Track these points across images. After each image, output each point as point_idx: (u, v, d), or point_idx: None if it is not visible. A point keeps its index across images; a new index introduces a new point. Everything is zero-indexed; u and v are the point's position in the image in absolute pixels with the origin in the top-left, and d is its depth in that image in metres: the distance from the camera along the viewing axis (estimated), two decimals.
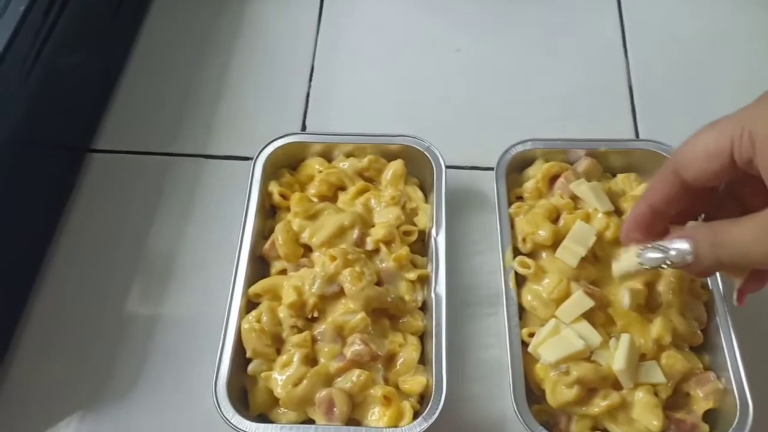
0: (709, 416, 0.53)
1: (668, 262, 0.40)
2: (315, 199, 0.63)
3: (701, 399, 0.53)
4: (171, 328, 0.61)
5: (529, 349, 0.54)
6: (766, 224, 0.36)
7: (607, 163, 0.65)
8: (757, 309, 0.61)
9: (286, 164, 0.65)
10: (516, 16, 0.84)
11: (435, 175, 0.62)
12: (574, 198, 0.61)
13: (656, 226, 0.44)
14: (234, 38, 0.81)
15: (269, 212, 0.64)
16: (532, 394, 0.54)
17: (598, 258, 0.59)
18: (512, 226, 0.61)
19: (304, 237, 0.59)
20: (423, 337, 0.57)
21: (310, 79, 0.78)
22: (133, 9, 0.82)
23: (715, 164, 0.37)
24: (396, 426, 0.51)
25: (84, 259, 0.65)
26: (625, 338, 0.53)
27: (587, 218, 0.59)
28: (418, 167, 0.65)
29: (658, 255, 0.41)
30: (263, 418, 0.54)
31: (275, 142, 0.64)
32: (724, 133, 0.37)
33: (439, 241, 0.59)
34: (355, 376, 0.53)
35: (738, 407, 0.51)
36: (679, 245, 0.40)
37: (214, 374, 0.52)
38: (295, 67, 0.79)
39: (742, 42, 0.81)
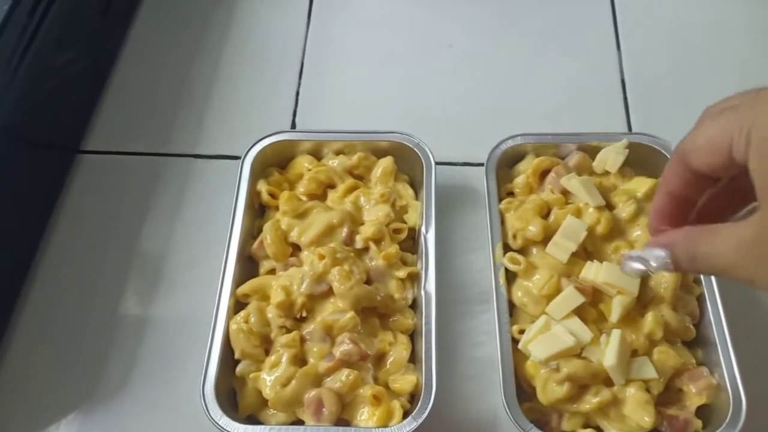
0: (702, 412, 0.53)
1: (651, 272, 0.40)
2: (304, 198, 0.62)
3: (694, 395, 0.53)
4: (160, 329, 0.61)
5: (519, 346, 0.54)
6: (740, 246, 0.35)
7: None
8: (750, 304, 0.60)
9: (275, 163, 0.65)
10: (508, 11, 0.83)
11: (425, 172, 0.62)
12: (565, 193, 0.61)
13: (682, 213, 0.42)
14: (224, 36, 0.81)
15: (258, 211, 0.64)
16: (524, 391, 0.54)
17: (589, 253, 0.58)
18: (502, 222, 0.60)
19: (293, 236, 0.59)
20: (413, 335, 0.57)
21: (300, 77, 0.77)
22: (122, 9, 0.82)
23: (717, 158, 0.35)
24: (386, 426, 0.51)
25: (74, 261, 0.65)
26: (616, 334, 0.52)
27: (578, 213, 0.59)
28: (408, 164, 0.65)
29: (640, 266, 0.40)
30: (252, 419, 0.54)
31: (263, 141, 0.64)
32: (725, 129, 0.35)
33: (429, 238, 0.58)
34: (345, 375, 0.53)
35: (731, 403, 0.51)
36: (657, 254, 0.39)
37: (201, 376, 0.52)
38: (285, 64, 0.78)
39: (737, 34, 0.80)
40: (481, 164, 0.63)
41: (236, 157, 0.64)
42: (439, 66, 0.79)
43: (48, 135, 0.69)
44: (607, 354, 0.52)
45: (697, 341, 0.56)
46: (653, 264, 0.39)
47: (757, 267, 0.34)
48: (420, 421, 0.50)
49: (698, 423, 0.52)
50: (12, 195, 0.62)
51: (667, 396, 0.53)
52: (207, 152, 0.71)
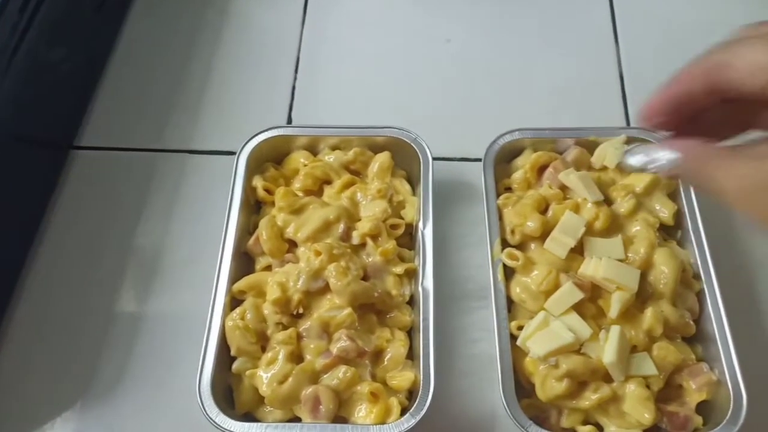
0: (702, 408, 0.52)
1: (654, 170, 0.39)
2: (300, 194, 0.62)
3: (694, 391, 0.52)
4: (156, 326, 0.61)
5: (518, 342, 0.53)
6: (754, 189, 0.34)
7: None
8: (750, 299, 0.60)
9: (271, 158, 0.64)
10: (506, 5, 0.83)
11: (422, 167, 0.61)
12: (563, 188, 0.60)
13: (679, 117, 0.39)
14: (219, 31, 0.80)
15: (254, 207, 0.63)
16: (522, 388, 0.54)
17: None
18: (500, 217, 0.60)
19: (289, 232, 0.58)
20: (411, 332, 0.57)
21: (296, 72, 0.77)
22: (116, 3, 0.81)
23: (754, 83, 0.34)
24: (383, 423, 0.50)
25: (68, 258, 0.64)
26: (615, 330, 0.52)
27: (576, 208, 0.58)
28: (405, 159, 0.64)
29: (646, 159, 0.39)
30: (249, 416, 0.54)
31: (259, 136, 0.63)
32: None
33: (426, 234, 0.58)
34: (342, 372, 0.52)
35: (731, 399, 0.51)
36: (669, 154, 0.38)
37: (197, 373, 0.51)
38: (281, 59, 0.78)
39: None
40: (479, 159, 0.62)
41: (232, 153, 0.63)
42: (437, 61, 0.78)
43: (41, 131, 0.68)
44: (607, 350, 0.51)
45: (696, 337, 0.55)
46: (663, 161, 0.38)
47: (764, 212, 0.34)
48: (418, 418, 0.50)
49: (698, 419, 0.52)
50: (4, 192, 0.61)
51: (667, 392, 0.53)
52: (202, 148, 0.71)
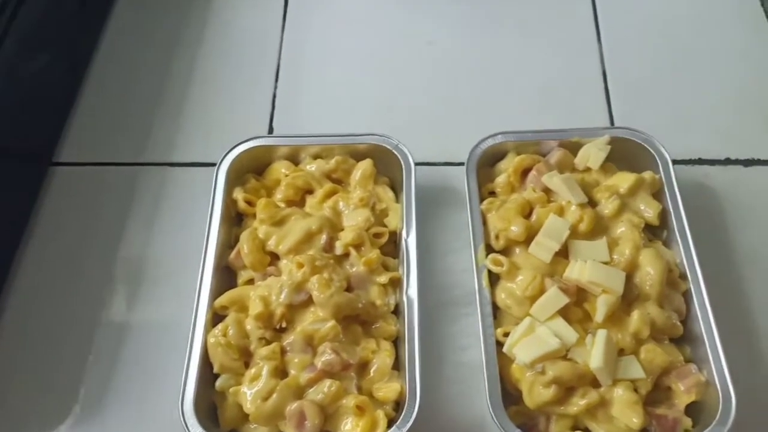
0: (691, 410, 0.52)
1: None
2: (282, 205, 0.61)
3: (683, 393, 0.52)
4: (138, 344, 0.60)
5: (504, 349, 0.53)
6: None
7: None
8: (737, 298, 0.60)
9: (252, 169, 0.64)
10: (488, 7, 0.82)
11: (404, 174, 0.61)
12: (547, 191, 0.60)
13: None
14: (199, 40, 0.80)
15: (235, 220, 0.62)
16: (510, 395, 0.53)
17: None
18: (484, 222, 0.59)
19: (271, 244, 0.58)
20: (397, 341, 0.56)
21: (276, 79, 0.76)
22: (94, 16, 0.80)
23: None
24: None
25: (49, 275, 0.63)
26: (601, 334, 0.51)
27: (560, 211, 0.58)
28: (388, 166, 0.63)
29: None
30: None
31: (239, 147, 0.63)
32: None
33: (410, 242, 0.57)
34: (327, 386, 0.52)
35: (720, 399, 0.50)
36: None
37: (180, 392, 0.51)
38: (261, 67, 0.77)
39: (718, 27, 0.79)
40: (462, 163, 0.62)
41: (212, 164, 0.63)
42: (419, 64, 0.78)
43: (18, 147, 0.67)
44: (593, 355, 0.51)
45: (684, 338, 0.55)
46: None
47: None
48: (405, 429, 0.49)
49: (688, 421, 0.51)
50: None
51: (655, 395, 0.52)
52: (182, 160, 0.70)
